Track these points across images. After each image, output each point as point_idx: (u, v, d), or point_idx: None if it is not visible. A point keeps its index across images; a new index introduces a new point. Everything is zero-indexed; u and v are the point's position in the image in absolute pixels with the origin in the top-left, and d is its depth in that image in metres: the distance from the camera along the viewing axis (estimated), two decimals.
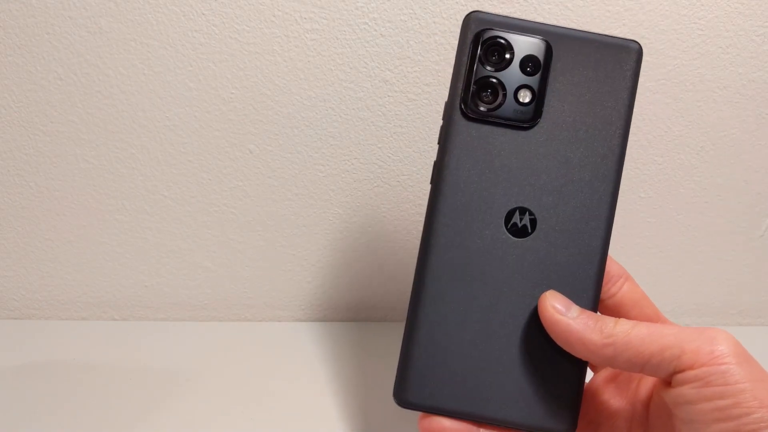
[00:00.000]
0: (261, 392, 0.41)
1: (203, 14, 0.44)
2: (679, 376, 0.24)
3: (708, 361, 0.24)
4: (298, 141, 0.47)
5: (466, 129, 0.29)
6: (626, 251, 0.53)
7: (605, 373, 0.32)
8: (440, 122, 0.48)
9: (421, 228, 0.50)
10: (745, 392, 0.23)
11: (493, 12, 0.31)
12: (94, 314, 0.50)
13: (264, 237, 0.50)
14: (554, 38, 0.29)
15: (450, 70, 0.47)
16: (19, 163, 0.46)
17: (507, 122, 0.29)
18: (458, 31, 0.38)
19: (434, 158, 0.30)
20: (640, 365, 0.25)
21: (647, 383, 0.29)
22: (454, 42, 0.46)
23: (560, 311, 0.27)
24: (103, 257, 0.49)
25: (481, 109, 0.29)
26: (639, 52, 0.29)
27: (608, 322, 0.26)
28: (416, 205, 0.50)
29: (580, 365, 0.28)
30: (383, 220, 0.50)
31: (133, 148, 0.46)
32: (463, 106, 0.29)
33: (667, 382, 0.25)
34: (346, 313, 0.53)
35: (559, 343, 0.27)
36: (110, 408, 0.38)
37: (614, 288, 0.31)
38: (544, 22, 0.30)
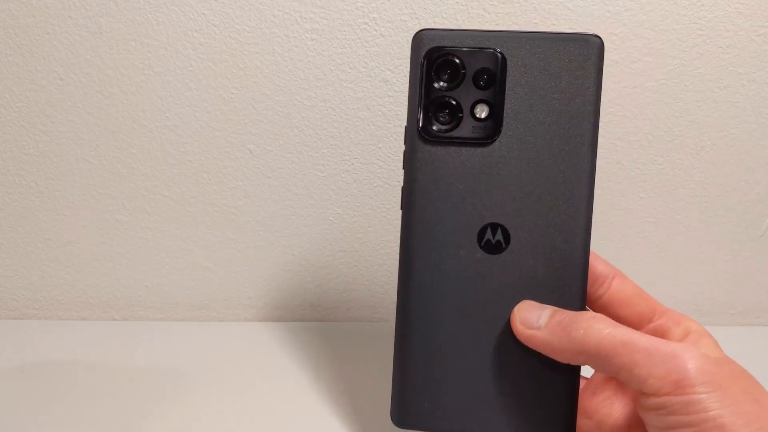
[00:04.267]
0: (261, 392, 0.41)
1: (203, 14, 0.44)
2: (644, 400, 0.24)
3: (672, 390, 0.23)
4: (298, 141, 0.47)
5: (428, 152, 0.28)
6: (626, 251, 0.53)
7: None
8: None
9: None
10: (709, 421, 0.22)
11: (442, 28, 0.30)
12: (94, 314, 0.50)
13: (264, 237, 0.50)
14: (508, 46, 0.28)
15: None
16: (19, 163, 0.46)
17: (467, 141, 0.28)
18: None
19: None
20: (614, 373, 0.25)
21: None
22: None
23: (528, 324, 0.27)
24: (103, 257, 0.49)
25: (439, 130, 0.28)
26: (600, 46, 0.27)
27: (580, 325, 0.25)
28: None
29: (573, 370, 0.28)
30: (383, 220, 0.50)
31: (133, 148, 0.46)
32: (420, 129, 0.28)
33: (638, 399, 0.25)
34: (346, 313, 0.53)
35: (540, 352, 0.27)
36: (110, 408, 0.38)
37: (601, 289, 0.30)
38: (499, 29, 0.30)
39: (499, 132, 0.28)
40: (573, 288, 0.28)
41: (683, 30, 0.47)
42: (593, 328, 0.25)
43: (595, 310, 0.30)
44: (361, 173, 0.49)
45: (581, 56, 0.27)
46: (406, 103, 0.47)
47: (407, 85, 0.47)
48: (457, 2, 0.45)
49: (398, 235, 0.51)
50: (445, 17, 0.45)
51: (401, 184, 0.49)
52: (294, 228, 0.50)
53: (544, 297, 0.28)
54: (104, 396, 0.40)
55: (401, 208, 0.29)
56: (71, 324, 0.49)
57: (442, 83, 0.28)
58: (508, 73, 0.28)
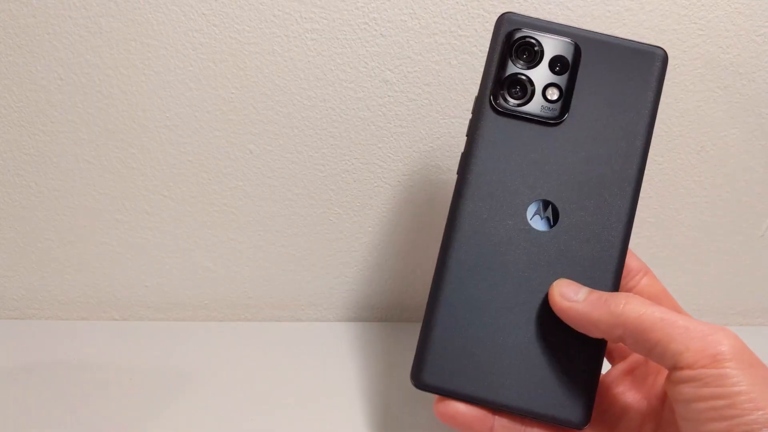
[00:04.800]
0: (261, 392, 0.41)
1: (203, 14, 0.44)
2: (678, 373, 0.25)
3: (708, 363, 0.24)
4: (298, 141, 0.47)
5: (495, 122, 0.30)
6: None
7: (622, 366, 0.32)
8: (441, 121, 0.48)
9: (421, 228, 0.50)
10: (741, 395, 0.23)
11: (523, 13, 0.32)
12: (94, 314, 0.50)
13: (264, 237, 0.50)
14: (583, 41, 0.30)
15: (450, 70, 0.47)
16: (19, 163, 0.46)
17: (534, 118, 0.30)
18: (459, 31, 0.38)
19: (461, 150, 0.31)
20: (647, 349, 0.25)
21: (663, 378, 0.30)
22: (455, 42, 0.46)
23: (567, 297, 0.27)
24: (103, 257, 0.49)
25: (510, 104, 0.30)
26: (664, 59, 0.30)
27: (619, 300, 0.26)
28: (416, 205, 0.50)
29: (597, 355, 0.29)
30: (383, 220, 0.50)
31: (133, 148, 0.46)
32: (492, 100, 0.30)
33: (670, 375, 0.26)
34: (346, 313, 0.53)
35: (574, 327, 0.27)
36: (110, 408, 0.38)
37: (632, 282, 0.31)
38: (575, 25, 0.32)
39: (565, 116, 0.29)
40: (609, 275, 0.29)
41: (683, 30, 0.47)
42: (632, 302, 0.26)
43: None
44: (361, 173, 0.49)
45: (646, 66, 0.30)
46: (406, 103, 0.47)
47: (407, 85, 0.47)
48: (457, 2, 0.45)
49: (399, 235, 0.51)
50: (445, 17, 0.45)
51: (401, 184, 0.50)
52: (294, 228, 0.50)
53: (581, 278, 0.29)
54: (104, 396, 0.39)
55: (457, 173, 0.30)
56: (71, 324, 0.49)
57: (520, 61, 0.30)
58: (581, 64, 0.30)
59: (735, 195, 0.52)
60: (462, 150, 0.30)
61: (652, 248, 0.53)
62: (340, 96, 0.46)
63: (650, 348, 0.25)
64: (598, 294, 0.27)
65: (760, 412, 0.22)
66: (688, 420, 0.25)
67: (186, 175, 0.47)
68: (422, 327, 0.29)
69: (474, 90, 0.47)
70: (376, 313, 0.53)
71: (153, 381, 0.41)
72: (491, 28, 0.41)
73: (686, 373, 0.24)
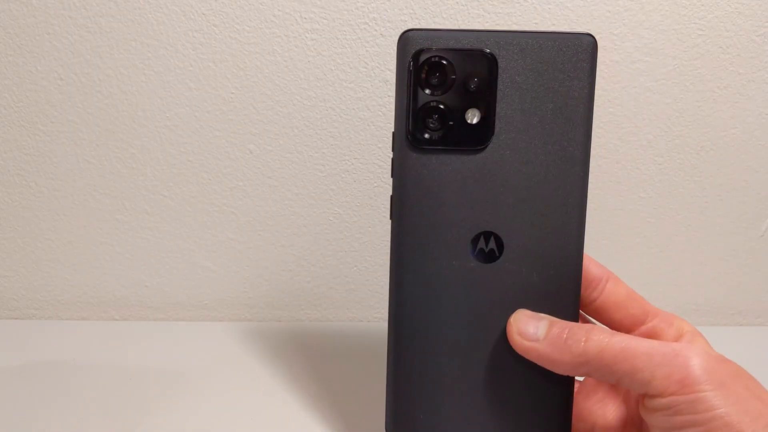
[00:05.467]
0: (260, 392, 0.41)
1: (203, 14, 0.44)
2: (649, 401, 0.24)
3: (677, 389, 0.23)
4: (298, 141, 0.47)
5: (417, 159, 0.27)
6: (626, 251, 0.53)
7: None
8: None
9: None
10: (716, 419, 0.22)
11: (429, 28, 0.29)
12: (94, 314, 0.50)
13: (264, 237, 0.50)
14: (498, 46, 0.26)
15: None
16: (20, 163, 0.46)
17: (458, 147, 0.27)
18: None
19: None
20: (616, 380, 0.25)
21: None
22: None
23: (526, 336, 0.26)
24: (103, 257, 0.49)
25: (429, 137, 0.27)
26: (593, 45, 0.26)
27: (579, 337, 0.25)
28: None
29: (566, 381, 0.28)
30: (383, 220, 0.50)
31: (133, 148, 0.46)
32: (409, 136, 0.27)
33: (642, 400, 0.25)
34: (346, 313, 0.53)
35: (538, 364, 0.27)
36: (110, 408, 0.38)
37: (595, 293, 0.29)
38: (488, 28, 0.28)
39: (491, 137, 0.27)
40: (567, 295, 0.28)
41: (683, 30, 0.47)
42: (592, 339, 0.25)
43: (588, 313, 0.30)
44: (361, 173, 0.49)
45: (574, 56, 0.26)
46: None
47: None
48: (457, 2, 0.45)
49: None
50: (446, 17, 0.45)
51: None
52: (294, 228, 0.50)
53: (538, 304, 0.27)
54: (104, 396, 0.40)
55: (390, 218, 0.28)
56: (71, 324, 0.49)
57: (430, 87, 0.27)
58: (499, 75, 0.26)
59: (735, 195, 0.52)
60: (390, 194, 0.28)
61: (652, 248, 0.53)
62: (340, 96, 0.46)
63: (618, 379, 0.25)
64: (558, 328, 0.26)
65: None
66: None
67: (186, 175, 0.47)
68: (388, 378, 0.29)
69: None
70: (376, 313, 0.53)
71: (153, 381, 0.41)
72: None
73: (656, 401, 0.24)
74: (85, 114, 0.45)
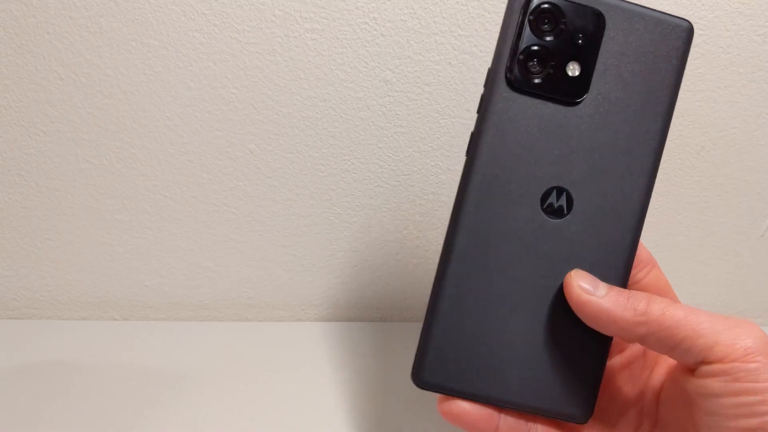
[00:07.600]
0: (261, 392, 0.41)
1: (203, 14, 0.44)
2: (707, 368, 0.24)
3: (740, 356, 0.23)
4: (298, 141, 0.47)
5: (509, 99, 0.27)
6: None
7: (620, 359, 0.31)
8: (441, 121, 0.48)
9: (421, 228, 0.50)
10: None
11: None
12: (94, 314, 0.50)
13: (264, 237, 0.50)
14: (608, 8, 0.27)
15: (451, 70, 0.47)
16: (20, 163, 0.46)
17: (552, 95, 0.27)
18: (459, 31, 0.38)
19: (464, 146, 0.29)
20: (670, 347, 0.25)
21: (660, 373, 0.29)
22: (455, 42, 0.46)
23: (587, 290, 0.26)
24: (104, 257, 0.49)
25: (527, 79, 0.27)
26: (690, 31, 0.27)
27: (640, 299, 0.25)
28: (417, 205, 0.50)
29: (604, 348, 0.28)
30: (383, 220, 0.50)
31: (133, 148, 0.46)
32: (508, 75, 0.27)
33: (691, 370, 0.25)
34: (347, 312, 0.53)
35: (588, 323, 0.26)
36: (110, 408, 0.38)
37: (641, 274, 0.30)
38: None
39: (585, 94, 0.27)
40: (620, 266, 0.28)
41: None
42: (655, 301, 0.25)
43: None
44: (361, 173, 0.49)
45: (670, 38, 0.27)
46: (406, 103, 0.47)
47: (407, 85, 0.47)
48: (457, 2, 0.45)
49: (399, 234, 0.51)
50: (446, 17, 0.45)
51: (401, 184, 0.50)
52: (294, 228, 0.50)
53: (593, 268, 0.27)
54: (104, 396, 0.39)
55: (466, 154, 0.28)
56: (71, 324, 0.49)
57: (538, 33, 0.27)
58: (605, 36, 0.27)
59: (735, 195, 0.52)
60: (472, 129, 0.28)
61: (652, 248, 0.53)
62: (340, 96, 0.46)
63: (674, 345, 0.25)
64: (618, 290, 0.26)
65: None
66: (714, 415, 0.24)
67: (186, 175, 0.47)
68: (424, 323, 0.28)
69: (475, 90, 0.47)
70: (376, 313, 0.53)
71: (153, 381, 0.41)
72: (491, 28, 0.41)
73: (716, 366, 0.24)
74: (85, 114, 0.45)
